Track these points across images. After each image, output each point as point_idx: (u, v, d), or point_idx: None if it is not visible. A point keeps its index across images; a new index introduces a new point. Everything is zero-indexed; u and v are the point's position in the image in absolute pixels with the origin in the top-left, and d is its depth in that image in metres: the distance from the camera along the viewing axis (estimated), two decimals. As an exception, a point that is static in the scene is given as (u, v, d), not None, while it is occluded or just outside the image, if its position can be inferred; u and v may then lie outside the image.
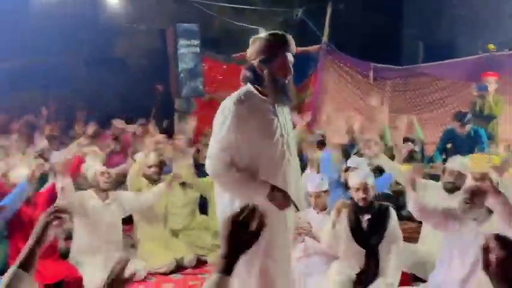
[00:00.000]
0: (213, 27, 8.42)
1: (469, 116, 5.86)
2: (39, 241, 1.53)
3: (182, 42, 7.52)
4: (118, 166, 5.13)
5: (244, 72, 2.42)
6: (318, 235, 3.54)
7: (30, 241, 1.54)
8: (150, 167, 4.51)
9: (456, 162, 3.85)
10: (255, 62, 2.32)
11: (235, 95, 2.33)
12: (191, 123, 6.37)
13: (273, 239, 2.28)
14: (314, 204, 3.49)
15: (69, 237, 4.19)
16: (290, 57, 2.32)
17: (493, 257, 1.06)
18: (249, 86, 2.36)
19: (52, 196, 4.01)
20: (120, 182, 4.80)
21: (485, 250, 1.07)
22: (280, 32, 2.39)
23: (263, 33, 2.41)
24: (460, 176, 3.61)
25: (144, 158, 4.63)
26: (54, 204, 1.65)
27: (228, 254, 1.17)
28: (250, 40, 2.36)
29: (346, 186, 3.99)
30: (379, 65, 7.94)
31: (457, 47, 8.87)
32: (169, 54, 7.61)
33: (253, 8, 8.49)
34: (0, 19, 7.59)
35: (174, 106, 7.81)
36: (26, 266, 1.51)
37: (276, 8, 8.66)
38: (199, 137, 6.41)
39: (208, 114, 6.73)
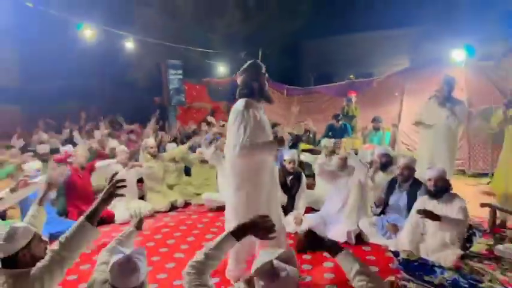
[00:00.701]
0: (190, 62, 10.88)
1: (340, 117, 7.92)
2: (104, 202, 1.98)
3: (171, 71, 10.21)
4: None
5: (241, 89, 2.91)
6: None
7: (98, 201, 1.96)
8: (150, 147, 5.94)
9: (331, 142, 6.13)
10: (247, 80, 2.86)
11: (241, 104, 2.82)
12: (177, 123, 8.78)
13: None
14: (288, 166, 4.76)
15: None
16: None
17: None
18: (245, 98, 2.85)
19: (91, 169, 5.22)
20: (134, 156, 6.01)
21: None
22: (259, 61, 2.97)
23: (248, 63, 2.92)
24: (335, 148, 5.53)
25: (147, 142, 6.02)
26: (117, 178, 2.06)
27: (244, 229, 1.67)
28: (242, 69, 2.90)
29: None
30: (289, 86, 10.22)
31: (334, 76, 12.27)
32: (163, 79, 10.23)
33: (214, 51, 11.18)
34: (52, 52, 9.44)
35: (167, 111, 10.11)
36: (91, 218, 1.93)
37: (228, 51, 11.18)
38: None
39: (188, 116, 10.16)
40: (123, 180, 2.04)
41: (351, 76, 10.61)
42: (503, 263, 2.86)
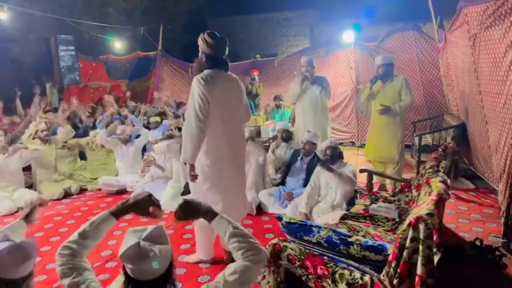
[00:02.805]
0: (84, 38, 10.29)
1: None
2: None
3: (62, 47, 9.18)
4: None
5: (206, 60, 2.89)
6: (163, 164, 5.02)
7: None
8: (41, 131, 5.53)
9: None
10: (213, 53, 2.87)
11: (199, 76, 2.80)
12: (74, 101, 7.95)
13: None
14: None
15: None
16: None
17: None
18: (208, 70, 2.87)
19: None
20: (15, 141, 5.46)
21: None
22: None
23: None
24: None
25: (36, 126, 5.54)
26: None
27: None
28: (208, 41, 2.86)
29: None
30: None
31: (240, 56, 12.48)
32: (53, 55, 9.20)
33: (111, 26, 10.50)
34: None
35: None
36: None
37: (126, 26, 10.63)
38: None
39: (84, 96, 9.44)
40: None
41: (257, 55, 10.88)
42: (376, 220, 3.26)
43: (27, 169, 5.48)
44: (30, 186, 5.47)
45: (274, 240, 2.33)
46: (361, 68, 7.72)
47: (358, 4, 10.35)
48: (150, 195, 1.76)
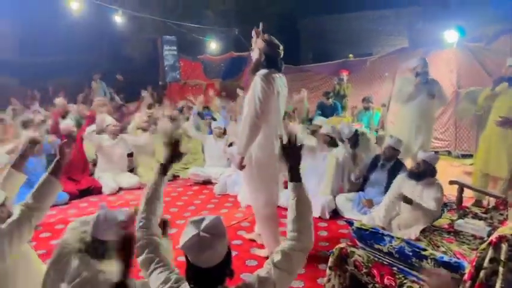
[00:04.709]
0: (186, 39, 10.97)
1: (331, 94, 7.91)
2: (62, 159, 2.14)
3: (166, 47, 10.17)
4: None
5: (263, 61, 3.03)
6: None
7: (56, 158, 2.12)
8: (143, 122, 6.07)
9: (319, 120, 5.86)
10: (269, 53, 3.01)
11: (261, 74, 2.94)
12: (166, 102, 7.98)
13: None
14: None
15: (94, 163, 5.78)
16: None
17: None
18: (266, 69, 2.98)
19: (81, 138, 5.30)
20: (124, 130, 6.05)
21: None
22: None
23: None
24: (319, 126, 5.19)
25: (140, 117, 6.20)
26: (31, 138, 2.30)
27: None
28: (265, 43, 3.02)
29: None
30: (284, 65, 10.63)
31: (332, 55, 12.09)
32: (159, 55, 10.21)
33: (209, 27, 11.17)
34: (45, 28, 9.63)
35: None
36: (54, 173, 2.08)
37: (222, 27, 11.29)
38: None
39: (183, 93, 10.19)
40: (73, 138, 2.15)
41: (350, 55, 10.63)
42: (461, 237, 3.00)
43: (129, 155, 6.03)
44: (132, 170, 5.97)
45: (342, 245, 2.31)
46: (463, 71, 7.04)
47: (463, 3, 9.38)
48: (177, 141, 1.94)
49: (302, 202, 1.66)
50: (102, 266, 1.82)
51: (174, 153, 1.93)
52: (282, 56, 3.11)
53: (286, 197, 4.31)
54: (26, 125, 5.49)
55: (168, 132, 1.93)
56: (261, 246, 3.52)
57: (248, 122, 2.96)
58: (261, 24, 3.29)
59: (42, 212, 2.06)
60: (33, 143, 2.61)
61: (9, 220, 1.96)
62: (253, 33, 3.12)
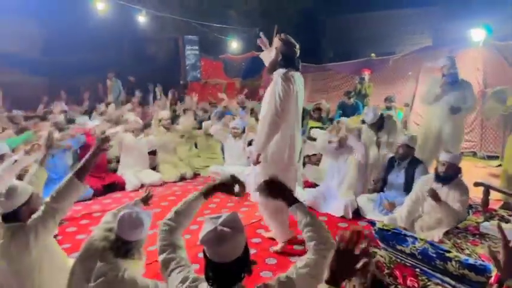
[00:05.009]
0: (207, 38, 11.05)
1: (352, 93, 7.88)
2: (91, 159, 2.15)
3: (188, 47, 10.40)
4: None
5: (280, 60, 3.07)
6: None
7: (85, 158, 2.14)
8: (165, 119, 6.07)
9: (343, 121, 5.51)
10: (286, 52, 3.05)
11: (281, 73, 3.01)
12: (194, 98, 8.02)
13: None
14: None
15: (118, 160, 5.85)
16: None
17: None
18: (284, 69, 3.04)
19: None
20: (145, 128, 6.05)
21: None
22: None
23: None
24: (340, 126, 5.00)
25: (161, 115, 6.18)
26: (102, 136, 2.28)
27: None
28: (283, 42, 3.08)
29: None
30: (304, 64, 9.68)
31: (354, 54, 12.02)
32: (180, 54, 10.43)
33: (231, 27, 11.26)
34: (71, 28, 9.47)
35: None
36: (79, 175, 2.10)
37: (245, 27, 11.37)
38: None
39: (204, 92, 10.28)
40: (107, 137, 2.26)
41: (372, 54, 10.50)
42: (486, 240, 2.92)
43: (151, 153, 6.09)
44: (154, 168, 6.02)
45: (363, 245, 2.27)
46: (490, 70, 6.82)
47: (488, 1, 9.07)
48: (234, 176, 1.94)
49: (313, 218, 1.70)
50: (126, 265, 1.87)
51: (227, 191, 1.96)
52: (298, 54, 3.12)
53: (307, 197, 4.53)
54: (57, 126, 5.71)
55: (228, 177, 1.95)
56: (277, 244, 3.54)
57: (268, 120, 3.00)
58: (275, 26, 3.41)
59: (63, 210, 2.13)
60: (50, 140, 2.79)
61: (34, 215, 2.06)
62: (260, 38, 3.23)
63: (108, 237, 1.95)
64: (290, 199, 1.77)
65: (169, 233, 1.75)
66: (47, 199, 2.13)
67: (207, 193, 1.90)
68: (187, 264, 1.63)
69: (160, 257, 1.66)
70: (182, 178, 5.86)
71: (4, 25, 9.40)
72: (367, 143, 4.70)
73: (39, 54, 10.80)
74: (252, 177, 4.98)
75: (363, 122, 5.11)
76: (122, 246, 1.88)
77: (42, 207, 2.08)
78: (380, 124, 4.87)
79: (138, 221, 1.89)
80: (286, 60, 3.06)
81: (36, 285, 2.06)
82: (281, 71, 3.02)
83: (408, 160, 4.26)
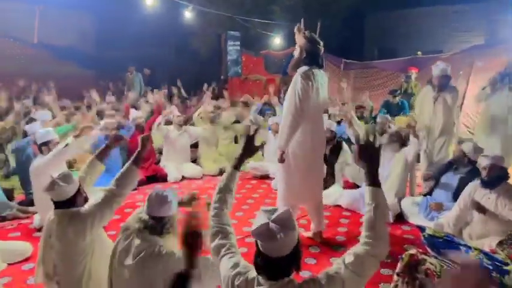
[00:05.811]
0: (249, 33, 11.11)
1: (397, 92, 7.60)
2: (142, 149, 2.34)
3: (230, 43, 10.40)
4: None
5: (304, 57, 3.08)
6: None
7: (138, 150, 2.33)
8: (208, 112, 6.31)
9: (383, 118, 5.10)
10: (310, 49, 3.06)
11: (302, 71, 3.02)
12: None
13: None
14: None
15: (160, 152, 6.04)
16: None
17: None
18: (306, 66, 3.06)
19: (150, 128, 5.56)
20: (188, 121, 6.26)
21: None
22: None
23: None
24: (386, 125, 4.77)
25: (205, 108, 6.47)
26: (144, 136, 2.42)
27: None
28: (307, 40, 3.08)
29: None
30: (347, 60, 9.77)
31: (399, 52, 11.51)
32: (222, 49, 10.47)
33: (274, 22, 11.20)
34: (120, 23, 10.02)
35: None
36: (136, 163, 2.30)
37: (287, 22, 10.72)
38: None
39: (244, 88, 10.29)
40: (147, 135, 2.46)
41: (418, 52, 10.17)
42: (546, 252, 2.72)
43: (193, 146, 6.17)
44: (194, 160, 6.10)
45: (413, 251, 2.18)
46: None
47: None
48: (251, 137, 2.04)
49: (380, 209, 1.59)
50: (162, 241, 1.98)
51: (248, 148, 2.01)
52: (322, 52, 3.13)
53: (347, 198, 4.42)
54: (100, 114, 5.95)
55: (244, 127, 1.98)
56: (317, 244, 3.54)
57: (288, 118, 3.04)
58: (302, 21, 3.30)
59: (123, 197, 2.26)
60: (117, 139, 2.91)
61: (93, 202, 2.17)
62: (296, 29, 3.13)
63: (140, 218, 2.04)
64: (374, 178, 1.63)
65: (217, 217, 1.78)
66: (107, 188, 2.24)
67: (238, 164, 1.97)
68: (237, 251, 1.66)
69: (212, 244, 1.69)
70: (221, 172, 5.79)
71: (61, 19, 9.94)
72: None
73: (90, 48, 11.30)
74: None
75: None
76: (155, 224, 1.98)
77: (101, 194, 2.19)
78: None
79: (164, 197, 2.00)
80: (310, 58, 3.08)
81: (87, 270, 2.16)
82: (302, 69, 3.03)
83: (468, 168, 3.92)
